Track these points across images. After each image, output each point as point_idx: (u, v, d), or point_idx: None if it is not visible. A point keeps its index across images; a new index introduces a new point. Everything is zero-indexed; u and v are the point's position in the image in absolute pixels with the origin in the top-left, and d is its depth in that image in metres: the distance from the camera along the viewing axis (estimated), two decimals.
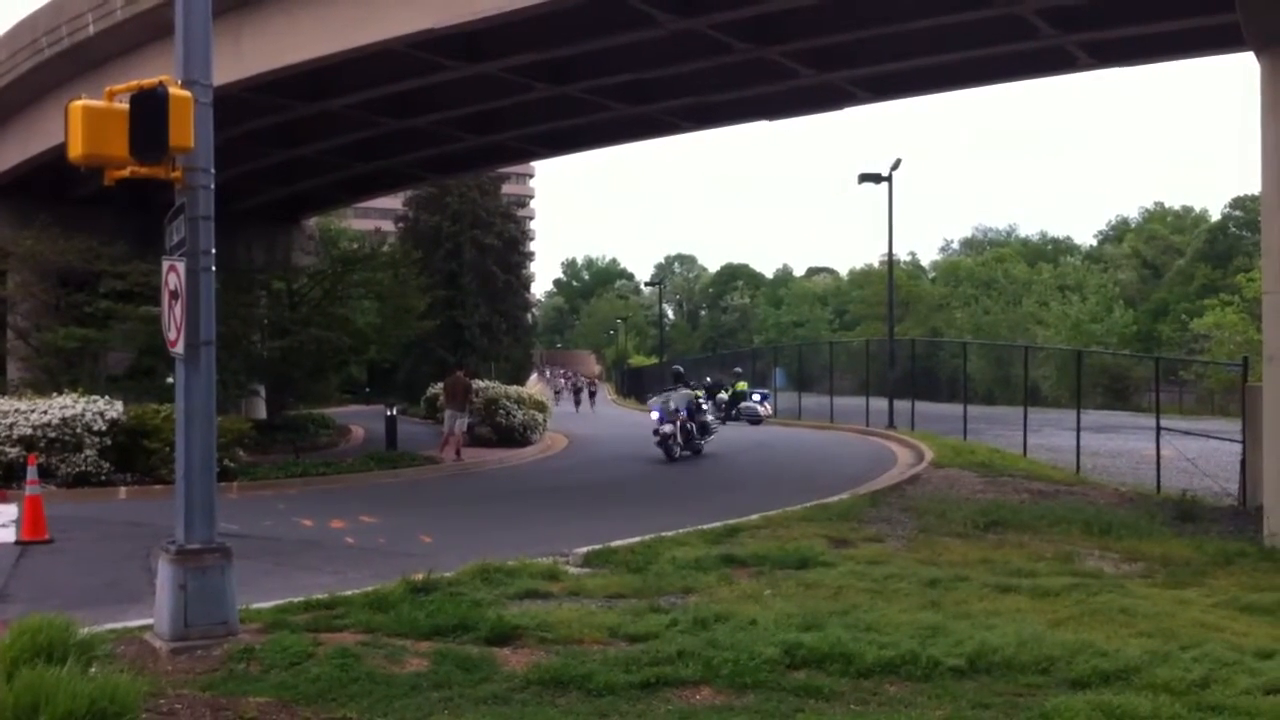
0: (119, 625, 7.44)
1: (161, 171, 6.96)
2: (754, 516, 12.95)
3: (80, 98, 6.94)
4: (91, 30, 20.99)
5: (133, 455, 17.79)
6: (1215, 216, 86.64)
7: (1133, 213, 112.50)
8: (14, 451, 16.56)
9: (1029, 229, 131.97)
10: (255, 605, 7.81)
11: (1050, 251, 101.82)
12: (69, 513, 14.30)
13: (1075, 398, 24.54)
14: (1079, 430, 20.08)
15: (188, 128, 6.83)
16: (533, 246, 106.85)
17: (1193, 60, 20.62)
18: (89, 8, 20.94)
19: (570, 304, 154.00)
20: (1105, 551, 11.42)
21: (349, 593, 8.33)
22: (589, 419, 45.26)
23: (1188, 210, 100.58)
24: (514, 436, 27.14)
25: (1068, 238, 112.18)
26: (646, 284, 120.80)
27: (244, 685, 6.05)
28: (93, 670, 5.57)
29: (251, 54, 19.13)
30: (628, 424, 37.76)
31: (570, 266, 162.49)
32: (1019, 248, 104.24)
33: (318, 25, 18.49)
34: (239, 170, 25.81)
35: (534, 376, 73.39)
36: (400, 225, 56.00)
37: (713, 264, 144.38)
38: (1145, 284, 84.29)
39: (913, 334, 61.27)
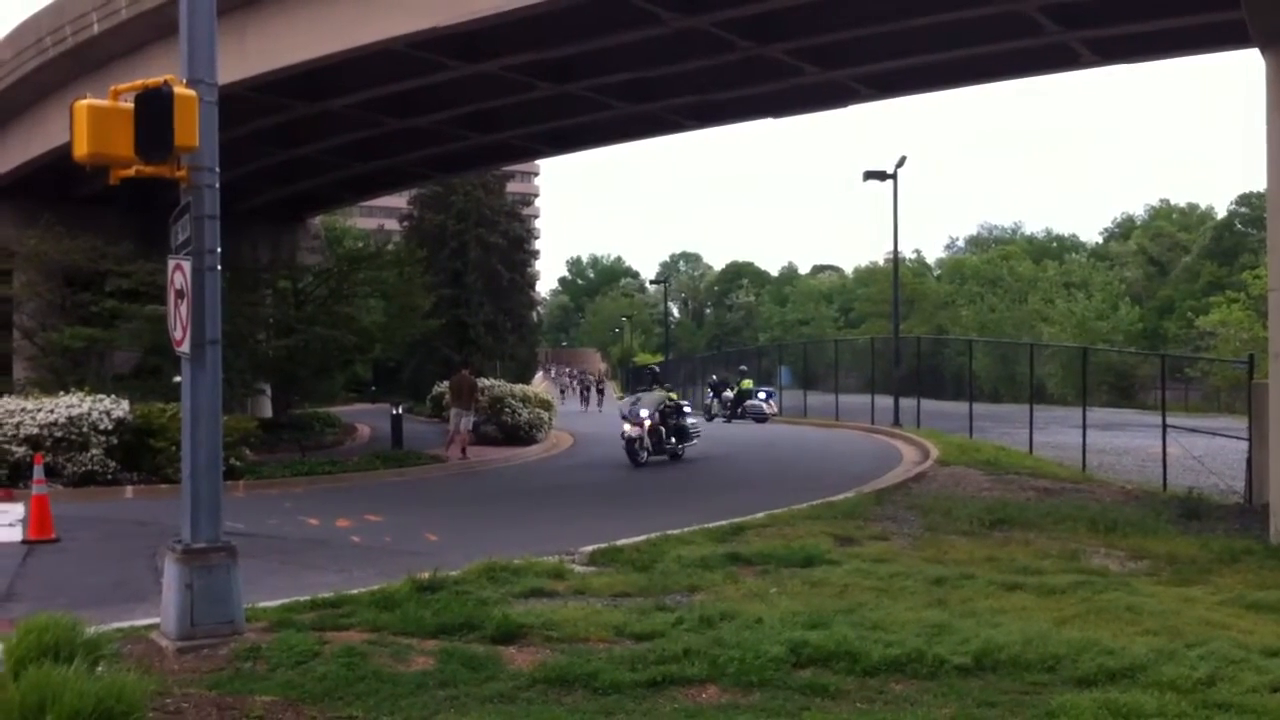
0: (125, 624, 7.45)
1: (167, 171, 6.94)
2: (759, 515, 12.92)
3: (85, 97, 6.92)
4: (96, 29, 21.00)
5: (139, 454, 17.84)
6: (1221, 213, 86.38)
7: (1138, 210, 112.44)
8: (20, 451, 16.63)
9: (1034, 226, 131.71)
10: (261, 604, 7.82)
11: (1056, 249, 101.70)
12: (75, 512, 14.31)
13: (1081, 395, 24.44)
14: (1085, 428, 20.02)
15: (193, 127, 6.82)
16: (538, 245, 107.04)
17: (1198, 57, 20.57)
18: (93, 7, 20.94)
19: (575, 302, 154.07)
20: (1111, 549, 11.41)
21: (355, 591, 8.34)
22: (595, 417, 45.24)
23: (1193, 207, 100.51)
24: (519, 435, 27.14)
25: (1073, 235, 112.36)
26: (651, 282, 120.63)
27: (250, 684, 6.06)
28: (99, 669, 5.58)
29: (256, 53, 19.13)
30: None
31: (575, 265, 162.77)
32: (1024, 245, 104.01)
33: (318, 24, 18.50)
34: (244, 170, 25.84)
35: (539, 375, 73.52)
36: (405, 224, 55.97)
37: (718, 262, 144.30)
38: (1151, 281, 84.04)
39: (918, 332, 61.07)
